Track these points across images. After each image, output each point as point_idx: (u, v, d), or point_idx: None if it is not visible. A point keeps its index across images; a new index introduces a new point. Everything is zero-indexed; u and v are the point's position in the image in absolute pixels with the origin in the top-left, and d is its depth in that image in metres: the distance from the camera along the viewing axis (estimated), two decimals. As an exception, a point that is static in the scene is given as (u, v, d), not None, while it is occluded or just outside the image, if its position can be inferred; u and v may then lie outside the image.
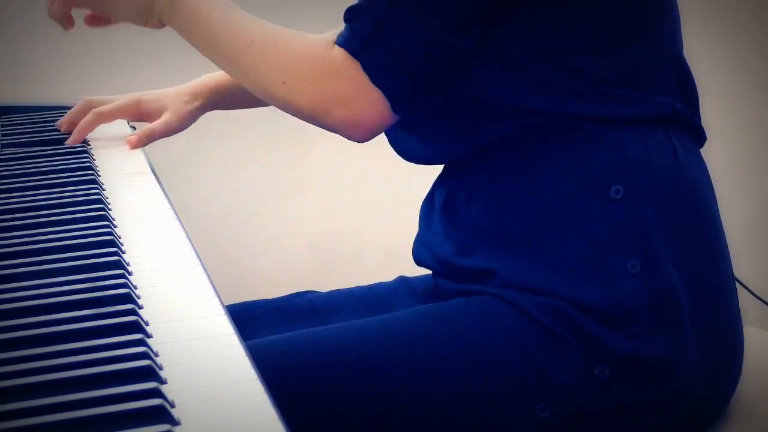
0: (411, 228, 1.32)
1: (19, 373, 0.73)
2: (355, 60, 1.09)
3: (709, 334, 1.13)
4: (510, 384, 1.09)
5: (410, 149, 1.25)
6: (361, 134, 1.13)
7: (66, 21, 1.31)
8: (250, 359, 0.78)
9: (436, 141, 1.21)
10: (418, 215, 1.30)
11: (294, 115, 1.16)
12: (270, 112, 2.39)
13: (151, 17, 1.24)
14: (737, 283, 1.22)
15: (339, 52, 1.10)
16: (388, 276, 1.36)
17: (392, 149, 1.28)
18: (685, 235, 1.13)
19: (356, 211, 2.37)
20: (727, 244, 1.18)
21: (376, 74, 1.09)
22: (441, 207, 1.22)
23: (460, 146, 1.18)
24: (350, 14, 1.11)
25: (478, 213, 1.17)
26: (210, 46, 1.20)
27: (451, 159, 1.22)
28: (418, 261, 1.28)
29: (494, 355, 1.10)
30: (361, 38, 1.09)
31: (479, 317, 1.12)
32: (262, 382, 0.74)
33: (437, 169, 1.27)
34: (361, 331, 1.11)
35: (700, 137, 1.20)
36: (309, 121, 1.15)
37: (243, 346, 0.80)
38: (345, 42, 1.10)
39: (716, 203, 1.18)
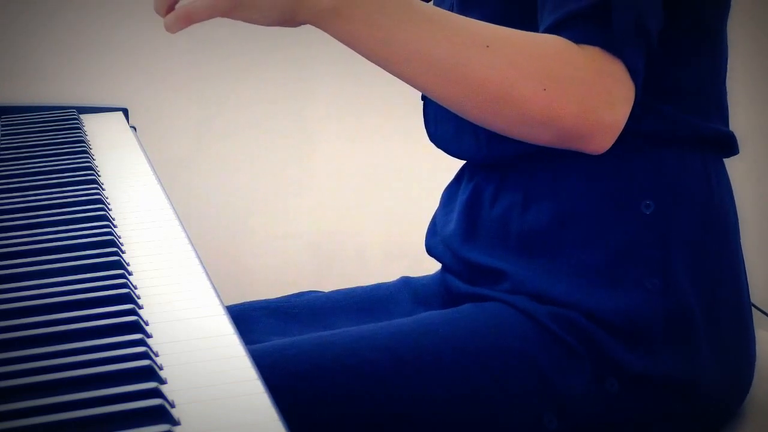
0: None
1: (19, 373, 0.73)
2: (615, 57, 1.01)
3: (724, 355, 1.12)
4: (518, 394, 1.08)
5: (447, 139, 1.22)
6: (612, 140, 1.03)
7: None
8: (250, 359, 0.78)
9: (476, 135, 1.17)
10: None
11: (536, 131, 1.03)
12: (269, 111, 2.39)
13: (293, 19, 1.04)
14: (756, 309, 1.21)
15: (596, 51, 1.01)
16: (388, 276, 1.35)
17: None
18: (708, 256, 1.12)
19: (357, 210, 2.37)
20: (744, 261, 1.18)
21: (635, 69, 1.02)
22: (465, 200, 1.21)
23: (500, 146, 1.14)
24: (598, 9, 1.01)
25: (502, 211, 1.16)
26: (406, 52, 1.02)
27: (485, 157, 1.18)
28: (430, 251, 1.27)
29: (503, 364, 1.09)
30: (623, 34, 1.01)
31: (489, 326, 1.11)
32: (262, 382, 0.74)
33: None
34: (369, 336, 1.10)
35: (730, 154, 1.18)
36: (560, 135, 1.03)
37: (243, 346, 0.80)
38: (608, 40, 1.01)
39: (738, 224, 1.17)
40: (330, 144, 2.30)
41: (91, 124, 1.56)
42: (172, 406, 0.71)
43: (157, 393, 0.70)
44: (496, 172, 1.18)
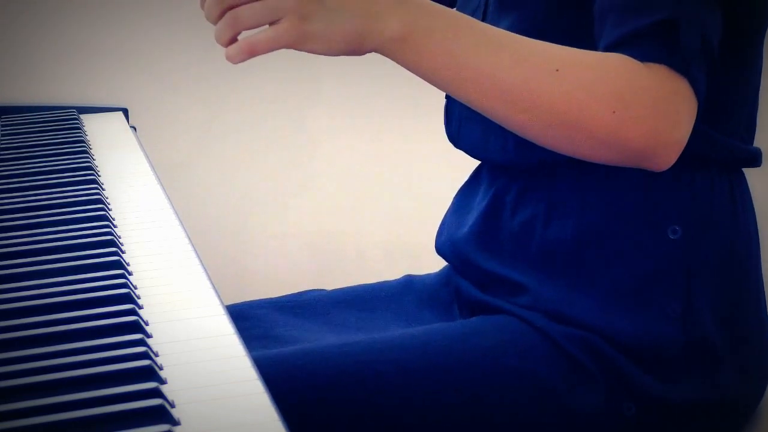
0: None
1: (19, 373, 0.73)
2: (680, 75, 0.99)
3: (745, 373, 1.12)
4: (530, 416, 1.07)
5: (471, 141, 1.20)
6: (676, 157, 1.02)
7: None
8: (250, 359, 0.78)
9: (504, 140, 1.14)
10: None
11: (602, 152, 1.02)
12: (270, 111, 2.39)
13: (360, 49, 1.02)
14: None
15: (661, 69, 0.99)
16: (389, 276, 1.35)
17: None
18: (731, 282, 1.11)
19: (357, 210, 2.37)
20: (763, 279, 1.16)
21: (699, 86, 1.01)
22: (485, 207, 1.19)
23: (528, 152, 1.11)
24: (664, 26, 0.99)
25: (524, 221, 1.14)
26: (476, 79, 1.00)
27: (511, 161, 1.16)
28: (439, 251, 1.26)
29: (516, 384, 1.07)
30: (690, 52, 0.99)
31: (503, 343, 1.09)
32: (262, 382, 0.74)
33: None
34: (379, 348, 1.09)
35: (752, 166, 1.17)
36: (626, 155, 1.01)
37: (243, 345, 0.80)
38: (674, 58, 0.99)
39: (759, 243, 1.16)
40: (330, 144, 2.30)
41: (91, 124, 1.56)
42: (172, 406, 0.71)
43: (157, 393, 0.70)
44: (518, 178, 1.16)
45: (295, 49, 1.00)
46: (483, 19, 1.17)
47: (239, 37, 1.02)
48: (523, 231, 1.14)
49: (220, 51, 1.91)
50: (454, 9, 1.26)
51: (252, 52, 1.00)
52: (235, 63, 1.01)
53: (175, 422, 0.68)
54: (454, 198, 1.28)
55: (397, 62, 1.02)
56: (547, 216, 1.13)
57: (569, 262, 1.11)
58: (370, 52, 1.02)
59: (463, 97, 1.02)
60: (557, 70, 0.99)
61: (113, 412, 0.68)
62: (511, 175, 1.17)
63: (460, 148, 1.24)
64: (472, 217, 1.21)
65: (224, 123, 2.27)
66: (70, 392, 0.71)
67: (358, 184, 2.36)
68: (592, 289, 1.09)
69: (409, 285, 1.30)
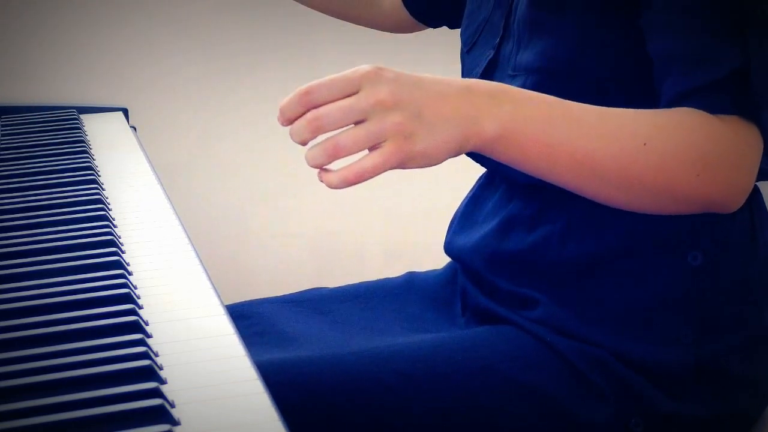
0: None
1: (19, 373, 0.73)
2: (750, 122, 1.01)
3: (755, 390, 1.12)
4: (537, 428, 1.07)
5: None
6: (744, 199, 1.04)
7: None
8: (250, 359, 0.78)
9: None
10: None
11: (681, 207, 1.03)
12: (270, 111, 2.38)
13: (458, 153, 1.01)
14: None
15: (734, 120, 1.01)
16: (388, 276, 1.35)
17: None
18: (746, 305, 1.10)
19: (357, 210, 2.37)
20: None
21: (766, 128, 1.01)
22: (499, 220, 1.17)
23: None
24: (736, 76, 1.00)
25: (540, 238, 1.13)
26: (570, 163, 1.00)
27: (536, 181, 1.11)
28: (449, 253, 1.25)
29: (522, 396, 1.07)
30: (761, 99, 1.00)
31: (511, 355, 1.09)
32: (262, 382, 0.74)
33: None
34: (385, 357, 1.08)
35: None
36: (703, 207, 1.03)
37: (243, 345, 0.80)
38: (746, 107, 1.00)
39: None
40: (330, 144, 2.29)
41: (91, 124, 1.56)
42: (172, 406, 0.71)
43: (157, 393, 0.71)
44: (538, 196, 1.15)
45: (400, 168, 0.99)
46: (500, 43, 1.16)
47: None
48: (538, 247, 1.13)
49: (221, 51, 1.90)
50: (463, 22, 1.25)
51: (360, 179, 0.98)
52: (335, 187, 1.00)
53: (175, 422, 0.69)
54: (463, 203, 1.27)
55: (494, 157, 1.02)
56: (565, 234, 1.12)
57: (584, 281, 1.10)
58: (468, 152, 1.02)
59: (555, 179, 1.03)
60: (645, 144, 1.00)
61: (113, 412, 0.68)
62: (531, 192, 1.16)
63: (481, 164, 1.22)
64: (483, 228, 1.20)
65: (224, 123, 2.27)
66: (70, 392, 0.71)
67: (359, 184, 2.36)
68: (604, 309, 1.09)
69: (411, 283, 1.30)
